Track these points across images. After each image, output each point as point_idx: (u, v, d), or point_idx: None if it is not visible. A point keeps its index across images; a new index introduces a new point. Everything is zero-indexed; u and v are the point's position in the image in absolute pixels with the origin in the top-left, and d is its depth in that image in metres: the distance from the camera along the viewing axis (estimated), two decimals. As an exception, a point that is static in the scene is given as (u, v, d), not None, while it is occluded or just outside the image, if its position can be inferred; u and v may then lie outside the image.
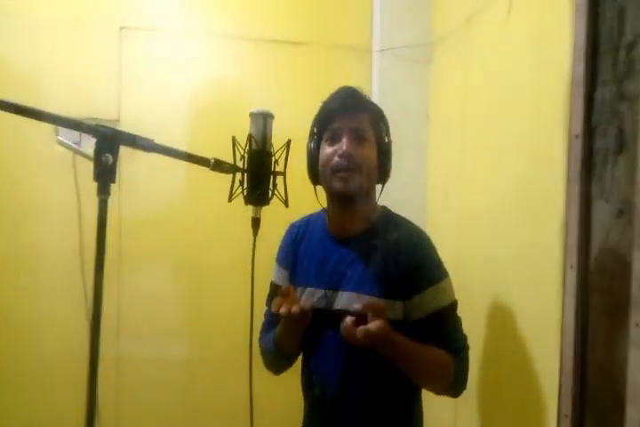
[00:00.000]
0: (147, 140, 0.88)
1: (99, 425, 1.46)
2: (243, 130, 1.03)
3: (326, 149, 1.02)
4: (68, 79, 1.64)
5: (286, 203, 1.01)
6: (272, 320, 1.10)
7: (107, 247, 0.87)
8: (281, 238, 1.18)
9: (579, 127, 0.54)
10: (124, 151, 0.88)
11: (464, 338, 1.00)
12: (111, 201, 0.86)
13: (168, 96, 1.65)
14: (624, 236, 0.49)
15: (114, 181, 0.84)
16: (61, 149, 1.66)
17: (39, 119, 0.86)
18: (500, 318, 1.19)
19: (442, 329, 0.97)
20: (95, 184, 0.83)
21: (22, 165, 1.65)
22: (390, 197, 1.16)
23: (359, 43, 1.79)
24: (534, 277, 1.02)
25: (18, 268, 1.62)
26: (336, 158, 0.99)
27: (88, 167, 1.67)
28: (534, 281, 1.03)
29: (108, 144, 0.82)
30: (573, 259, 0.53)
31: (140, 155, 0.95)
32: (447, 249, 1.12)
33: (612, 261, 0.51)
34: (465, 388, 0.99)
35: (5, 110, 0.83)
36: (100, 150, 0.82)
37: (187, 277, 1.60)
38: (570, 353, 0.49)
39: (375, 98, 1.68)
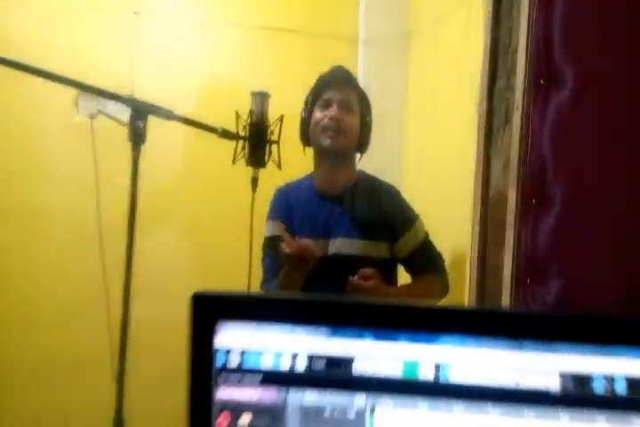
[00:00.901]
0: (168, 110, 1.10)
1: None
2: (241, 106, 1.26)
3: (317, 114, 1.20)
4: (86, 60, 1.83)
5: (279, 166, 1.25)
6: (272, 269, 1.23)
7: (121, 209, 1.09)
8: (271, 200, 1.37)
9: (484, 108, 0.78)
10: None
11: (439, 255, 1.24)
12: (126, 165, 1.08)
13: (176, 76, 1.85)
14: (506, 180, 0.73)
15: (144, 142, 1.07)
16: (80, 118, 1.88)
17: (83, 90, 1.08)
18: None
19: (423, 258, 1.21)
20: (109, 149, 1.06)
21: (46, 132, 1.86)
22: (371, 165, 1.39)
23: (347, 32, 2.00)
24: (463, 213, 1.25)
25: (40, 223, 1.84)
26: (326, 120, 1.17)
27: (104, 135, 1.90)
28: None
29: (140, 113, 1.05)
30: (478, 198, 0.77)
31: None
32: (418, 206, 1.35)
33: (499, 198, 0.76)
34: (448, 288, 1.24)
35: (57, 82, 1.05)
36: (134, 118, 1.04)
37: (194, 230, 1.83)
38: (475, 256, 0.74)
39: (360, 81, 1.90)
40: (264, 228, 1.29)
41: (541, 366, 0.34)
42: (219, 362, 0.35)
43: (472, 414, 0.35)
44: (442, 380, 0.35)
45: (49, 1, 1.86)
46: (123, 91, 1.84)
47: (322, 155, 1.22)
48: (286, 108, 1.30)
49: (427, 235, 1.25)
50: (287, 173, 1.32)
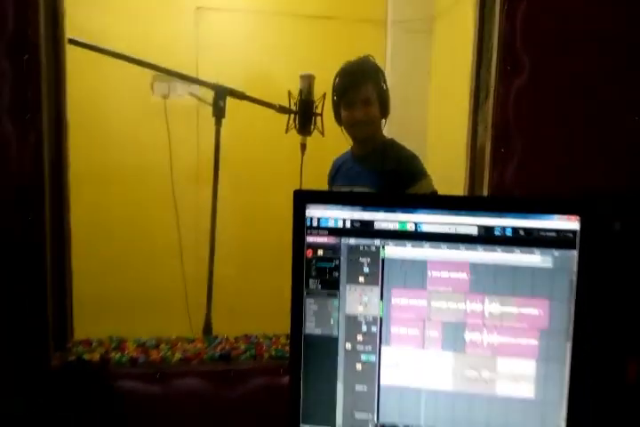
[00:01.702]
0: (241, 92, 1.46)
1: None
2: (292, 86, 1.60)
3: (344, 112, 1.51)
4: (158, 49, 2.19)
5: (322, 133, 1.59)
6: None
7: (189, 171, 1.46)
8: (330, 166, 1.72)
9: (473, 86, 1.09)
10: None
11: None
12: (193, 137, 1.44)
13: (235, 62, 2.20)
14: (485, 138, 1.05)
15: (224, 117, 1.43)
16: (156, 99, 2.26)
17: (173, 75, 1.45)
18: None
19: None
20: (176, 126, 1.42)
21: (127, 110, 2.26)
22: (401, 129, 1.72)
23: (377, 16, 2.29)
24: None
25: (126, 184, 2.25)
26: (351, 121, 1.49)
27: (176, 113, 2.28)
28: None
29: (221, 95, 1.41)
30: (469, 151, 1.10)
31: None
32: (440, 163, 1.66)
33: (480, 150, 1.07)
34: None
35: (151, 69, 1.42)
36: (217, 98, 1.40)
37: (256, 183, 2.20)
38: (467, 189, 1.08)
39: (388, 61, 2.20)
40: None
41: (468, 222, 0.68)
42: (307, 223, 0.71)
43: (432, 248, 0.69)
44: (418, 230, 0.70)
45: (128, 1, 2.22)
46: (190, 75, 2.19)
47: (354, 139, 1.55)
48: (328, 86, 1.63)
49: (433, 192, 1.55)
50: (329, 140, 1.67)
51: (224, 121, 1.45)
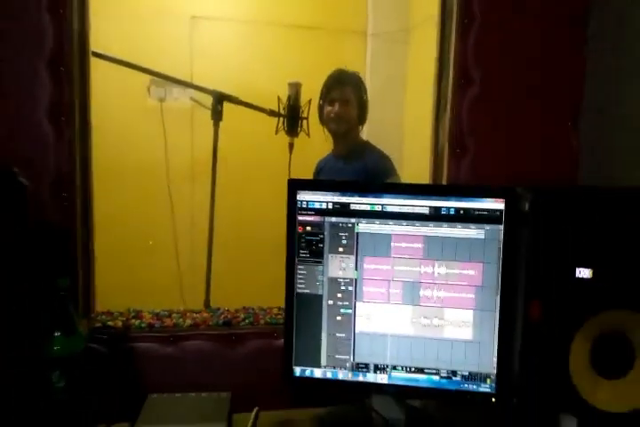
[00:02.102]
0: (237, 98, 1.65)
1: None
2: (281, 92, 1.80)
3: (327, 108, 1.76)
4: (152, 57, 2.37)
5: (308, 134, 1.79)
6: None
7: (184, 168, 1.64)
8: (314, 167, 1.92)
9: (435, 95, 1.31)
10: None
11: None
12: (188, 137, 1.63)
13: (226, 68, 2.38)
14: (444, 140, 1.27)
15: (222, 120, 1.62)
16: (152, 102, 2.44)
17: (170, 80, 1.63)
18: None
19: None
20: (172, 128, 1.61)
21: (124, 113, 2.42)
22: (380, 134, 1.93)
23: (357, 27, 2.50)
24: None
25: (125, 181, 2.42)
26: (331, 114, 1.73)
27: (171, 116, 2.45)
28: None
29: (219, 100, 1.60)
30: (432, 149, 1.32)
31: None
32: (413, 163, 1.87)
33: (442, 149, 1.30)
34: None
35: (150, 75, 1.60)
36: (215, 103, 1.59)
37: (247, 179, 2.39)
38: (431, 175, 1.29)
39: (368, 69, 2.41)
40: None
41: (422, 204, 0.89)
42: (298, 205, 0.92)
43: (395, 225, 0.90)
44: (384, 210, 0.90)
45: (126, 9, 2.39)
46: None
47: (330, 133, 1.77)
48: (313, 93, 1.83)
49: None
50: (313, 140, 1.87)
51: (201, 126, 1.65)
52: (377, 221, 0.91)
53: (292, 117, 1.77)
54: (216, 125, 1.61)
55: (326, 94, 1.77)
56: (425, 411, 1.00)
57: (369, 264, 0.92)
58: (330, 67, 1.84)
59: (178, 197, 2.43)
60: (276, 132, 1.80)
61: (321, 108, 1.78)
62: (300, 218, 0.92)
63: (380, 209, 0.91)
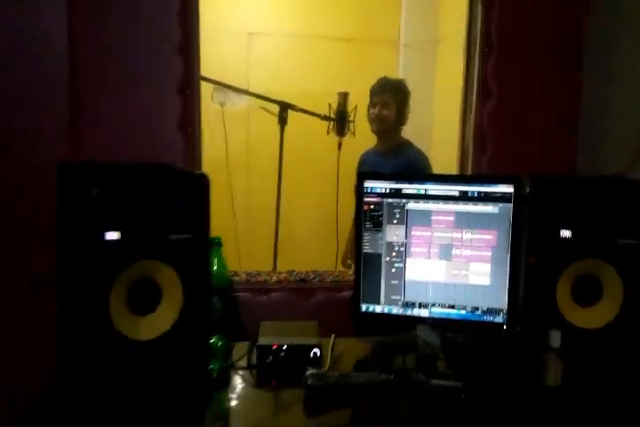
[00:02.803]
0: (297, 106, 2.03)
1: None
2: (332, 100, 2.17)
3: (370, 110, 2.13)
4: (214, 69, 2.75)
5: (354, 135, 2.17)
6: None
7: (241, 162, 2.03)
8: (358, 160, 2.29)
9: (462, 105, 1.67)
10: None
11: None
12: (244, 136, 2.01)
13: (282, 79, 2.76)
14: (469, 139, 1.62)
15: (287, 124, 2.01)
16: (215, 106, 2.84)
17: (241, 92, 2.01)
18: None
19: None
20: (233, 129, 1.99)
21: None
22: (415, 133, 2.29)
23: (390, 38, 2.85)
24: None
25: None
26: (372, 116, 2.11)
27: (232, 119, 2.85)
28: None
29: (284, 107, 1.98)
30: (459, 145, 1.68)
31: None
32: (441, 157, 2.23)
33: (466, 146, 1.65)
34: None
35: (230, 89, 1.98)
36: (281, 110, 1.98)
37: (306, 173, 2.78)
38: (459, 164, 1.67)
39: (400, 75, 2.76)
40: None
41: (453, 189, 1.26)
42: (364, 191, 1.30)
43: (434, 204, 1.28)
44: (426, 193, 1.28)
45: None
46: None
47: (373, 132, 2.14)
48: (358, 100, 2.20)
49: None
50: (359, 140, 2.24)
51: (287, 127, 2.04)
52: (421, 201, 1.29)
53: (340, 121, 2.15)
54: (282, 129, 2.00)
55: (371, 98, 2.13)
56: (454, 338, 1.38)
57: (415, 231, 1.30)
58: (367, 74, 2.20)
59: (236, 186, 2.82)
60: (328, 132, 2.18)
61: (368, 111, 2.14)
62: (366, 199, 1.31)
63: (423, 193, 1.29)
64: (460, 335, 1.38)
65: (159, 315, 1.04)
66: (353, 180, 1.34)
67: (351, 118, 2.17)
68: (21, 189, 1.34)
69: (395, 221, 1.31)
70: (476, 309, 1.30)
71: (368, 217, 1.31)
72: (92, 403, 0.98)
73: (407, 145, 2.17)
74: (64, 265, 0.97)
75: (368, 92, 2.19)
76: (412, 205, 1.29)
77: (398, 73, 2.77)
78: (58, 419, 0.97)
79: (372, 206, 1.31)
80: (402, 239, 1.31)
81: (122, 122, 1.40)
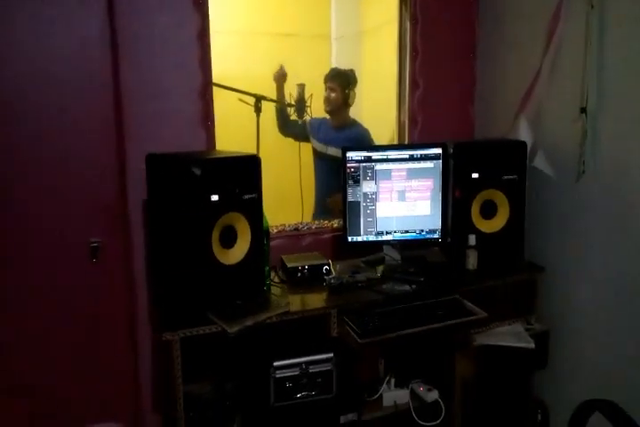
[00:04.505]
0: (268, 97, 2.58)
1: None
2: (292, 90, 2.74)
3: (324, 95, 2.73)
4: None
5: (311, 116, 2.77)
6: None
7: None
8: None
9: (398, 95, 2.32)
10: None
11: None
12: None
13: (236, 73, 3.23)
14: (405, 118, 2.30)
15: (261, 112, 2.55)
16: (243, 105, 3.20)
17: (222, 87, 2.53)
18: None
19: None
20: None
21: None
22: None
23: (323, 33, 3.42)
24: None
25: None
26: (324, 98, 2.71)
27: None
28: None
29: (259, 99, 2.52)
30: (397, 123, 2.35)
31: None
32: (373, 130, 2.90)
33: (402, 123, 2.33)
34: None
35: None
36: (256, 101, 2.51)
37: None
38: (396, 136, 2.34)
39: (334, 65, 3.36)
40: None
41: (405, 153, 1.94)
42: (347, 158, 1.93)
43: (394, 164, 1.94)
44: (388, 158, 1.94)
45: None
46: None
47: (325, 111, 2.74)
48: (313, 89, 2.77)
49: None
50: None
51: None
52: (384, 163, 1.95)
53: (299, 106, 2.73)
54: (258, 116, 2.55)
55: (324, 84, 2.72)
56: (410, 253, 2.08)
57: (381, 184, 1.96)
58: (307, 65, 2.78)
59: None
60: (289, 116, 2.76)
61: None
62: (348, 165, 1.94)
63: (385, 157, 1.94)
64: (413, 252, 2.09)
65: (237, 248, 1.62)
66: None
67: (308, 104, 2.75)
68: (77, 175, 1.79)
69: (368, 178, 1.96)
70: (422, 231, 2.01)
71: (350, 177, 1.95)
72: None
73: (354, 122, 2.81)
74: (184, 218, 1.50)
75: (312, 78, 2.76)
76: (378, 166, 1.95)
77: (332, 63, 3.36)
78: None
79: (352, 169, 1.95)
80: (373, 190, 1.97)
81: (162, 117, 1.87)
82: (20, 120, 1.71)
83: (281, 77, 2.76)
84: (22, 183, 1.73)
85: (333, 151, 2.76)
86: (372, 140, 2.73)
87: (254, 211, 1.62)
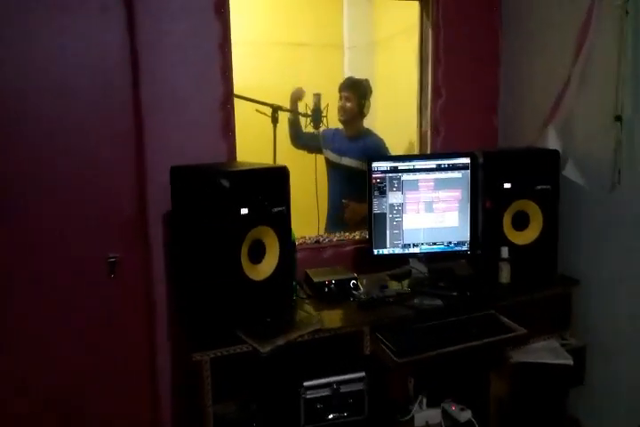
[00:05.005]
0: (284, 106, 2.53)
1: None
2: (309, 100, 2.69)
3: (338, 104, 2.69)
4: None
5: (327, 126, 2.72)
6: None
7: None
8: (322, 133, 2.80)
9: (419, 102, 2.28)
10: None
11: None
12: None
13: (251, 82, 3.18)
14: (427, 127, 2.25)
15: (278, 122, 2.50)
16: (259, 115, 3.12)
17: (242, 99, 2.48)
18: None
19: None
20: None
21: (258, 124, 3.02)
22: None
23: (336, 42, 3.39)
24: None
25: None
26: (339, 107, 2.66)
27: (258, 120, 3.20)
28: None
29: (275, 109, 2.47)
30: (419, 132, 2.30)
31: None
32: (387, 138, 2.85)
33: (424, 132, 2.28)
34: None
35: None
36: (273, 112, 2.47)
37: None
38: (418, 143, 2.29)
39: (347, 74, 3.33)
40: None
41: (432, 163, 1.88)
42: (372, 169, 1.88)
43: (421, 174, 1.89)
44: (414, 168, 1.88)
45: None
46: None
47: (339, 121, 2.69)
48: (331, 99, 2.73)
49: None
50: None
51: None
52: (411, 174, 1.89)
53: (316, 116, 2.68)
54: (274, 127, 2.50)
55: (339, 93, 2.67)
56: (436, 266, 2.01)
57: (408, 195, 1.91)
58: (320, 73, 2.74)
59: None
60: (305, 127, 2.71)
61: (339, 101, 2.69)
62: (374, 175, 1.88)
63: (412, 167, 1.89)
64: (441, 263, 2.03)
65: (265, 263, 1.55)
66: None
67: (324, 114, 2.70)
68: (95, 188, 1.74)
69: (394, 189, 1.90)
70: (450, 243, 1.95)
71: (376, 188, 1.89)
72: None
73: (368, 132, 2.76)
74: (211, 232, 1.44)
75: (325, 87, 2.72)
76: (405, 176, 1.89)
77: (344, 72, 3.33)
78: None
79: (377, 180, 1.89)
80: (400, 201, 1.91)
81: (182, 128, 1.82)
82: (37, 134, 1.66)
83: (297, 98, 2.72)
84: (38, 198, 1.67)
85: (347, 161, 2.71)
86: (387, 149, 2.68)
87: (283, 224, 1.56)
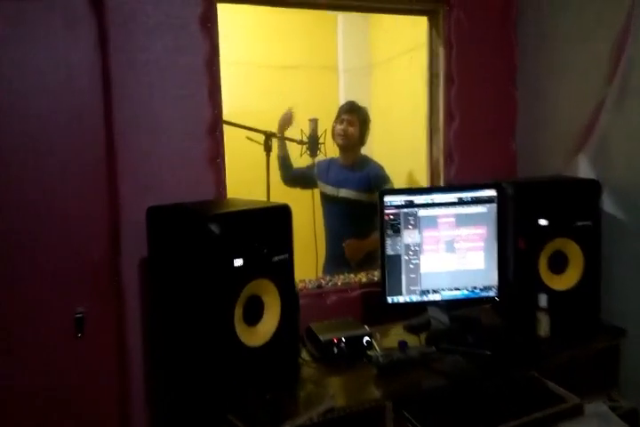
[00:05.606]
0: (279, 135, 2.28)
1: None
2: (304, 126, 2.45)
3: (337, 127, 2.43)
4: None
5: (325, 155, 2.47)
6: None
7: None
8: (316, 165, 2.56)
9: (428, 126, 2.05)
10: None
11: None
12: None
13: (242, 104, 2.94)
14: (439, 154, 2.02)
15: (271, 151, 2.24)
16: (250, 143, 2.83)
17: (231, 125, 2.23)
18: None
19: None
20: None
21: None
22: None
23: (330, 65, 3.20)
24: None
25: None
26: (339, 131, 2.42)
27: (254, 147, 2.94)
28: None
29: (269, 137, 2.22)
30: (429, 160, 2.07)
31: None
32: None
33: (435, 161, 2.05)
34: None
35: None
36: (266, 139, 2.21)
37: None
38: (429, 176, 2.05)
39: (342, 97, 3.12)
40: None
41: (452, 196, 1.63)
42: (385, 204, 1.62)
43: (439, 209, 1.63)
44: (432, 202, 1.63)
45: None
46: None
47: (338, 147, 2.45)
48: (326, 124, 2.50)
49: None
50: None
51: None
52: (429, 208, 1.64)
53: (312, 143, 2.43)
54: (267, 155, 2.24)
55: (339, 116, 2.43)
56: (457, 313, 1.74)
57: (426, 233, 1.65)
58: (315, 96, 2.52)
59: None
60: (301, 154, 2.46)
61: (333, 128, 2.43)
62: (386, 211, 1.62)
63: (429, 201, 1.64)
64: (463, 311, 1.75)
65: (263, 325, 1.27)
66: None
67: (322, 141, 2.46)
68: (59, 229, 1.45)
69: (410, 227, 1.64)
70: (475, 288, 1.68)
71: (389, 225, 1.63)
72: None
73: (366, 159, 2.52)
74: (198, 288, 1.16)
75: (319, 112, 2.49)
76: (422, 212, 1.64)
77: (340, 95, 3.12)
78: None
79: (391, 217, 1.63)
80: (416, 240, 1.65)
81: (162, 158, 1.56)
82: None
83: (287, 122, 2.47)
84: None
85: (345, 193, 2.45)
86: (388, 178, 2.43)
87: (285, 275, 1.28)
